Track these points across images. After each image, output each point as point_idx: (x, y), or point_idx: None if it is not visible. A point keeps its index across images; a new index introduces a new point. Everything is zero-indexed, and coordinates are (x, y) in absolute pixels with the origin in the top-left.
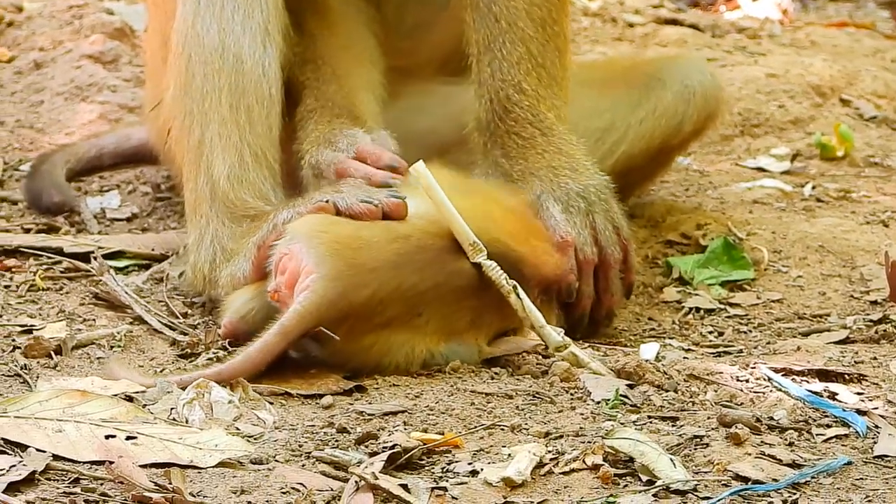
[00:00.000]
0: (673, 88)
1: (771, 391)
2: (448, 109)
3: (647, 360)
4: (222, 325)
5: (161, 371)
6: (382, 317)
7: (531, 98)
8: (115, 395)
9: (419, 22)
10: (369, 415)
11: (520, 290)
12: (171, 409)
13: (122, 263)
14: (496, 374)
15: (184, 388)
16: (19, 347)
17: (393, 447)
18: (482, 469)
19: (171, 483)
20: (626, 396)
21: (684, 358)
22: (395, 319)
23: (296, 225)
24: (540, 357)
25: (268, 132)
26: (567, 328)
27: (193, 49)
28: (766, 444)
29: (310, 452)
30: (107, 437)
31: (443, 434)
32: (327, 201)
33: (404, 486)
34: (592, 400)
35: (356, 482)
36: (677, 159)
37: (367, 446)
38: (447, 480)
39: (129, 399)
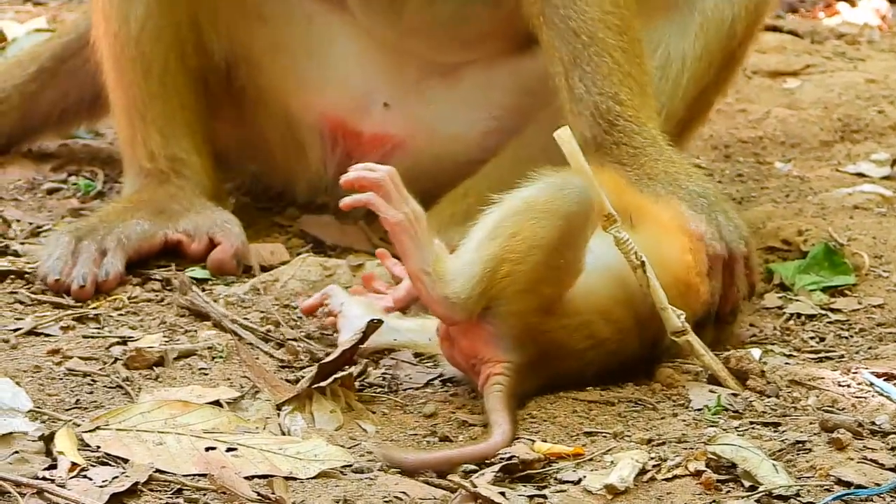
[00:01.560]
0: None
1: (873, 396)
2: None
3: (758, 360)
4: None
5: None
6: None
7: (631, 108)
8: (215, 405)
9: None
10: (471, 424)
11: (648, 266)
12: (266, 419)
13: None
14: (598, 380)
15: (442, 471)
16: (120, 359)
17: (510, 459)
18: (584, 476)
19: (273, 493)
20: (728, 403)
21: (786, 363)
22: None
23: None
24: (642, 363)
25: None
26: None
27: None
28: (868, 448)
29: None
30: (207, 448)
31: (546, 441)
32: None
33: (502, 494)
34: (694, 407)
35: (462, 492)
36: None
37: None
38: (548, 488)
39: (229, 405)
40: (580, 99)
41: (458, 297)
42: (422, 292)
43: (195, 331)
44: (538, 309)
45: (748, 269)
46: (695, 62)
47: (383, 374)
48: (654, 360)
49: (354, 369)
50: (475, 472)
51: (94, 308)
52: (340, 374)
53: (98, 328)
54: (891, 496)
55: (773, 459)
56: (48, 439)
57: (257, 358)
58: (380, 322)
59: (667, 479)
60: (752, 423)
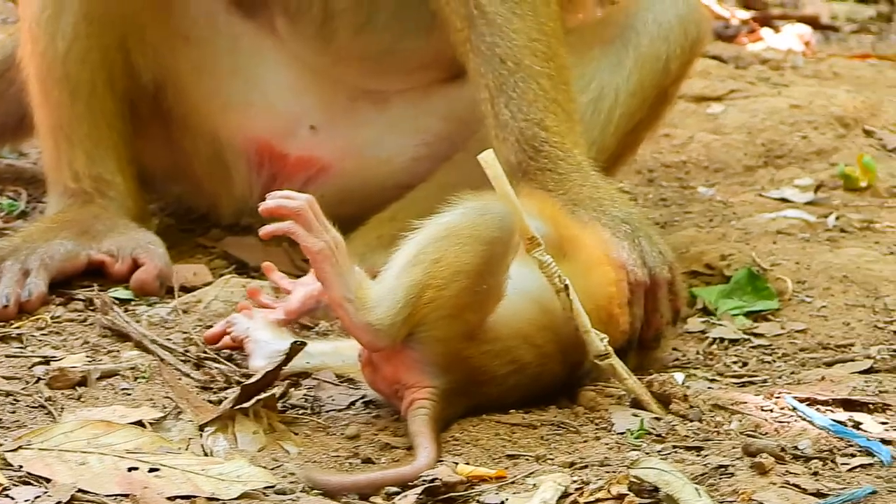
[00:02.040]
0: (648, 31)
1: (795, 421)
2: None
3: (681, 384)
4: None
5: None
6: None
7: (556, 135)
8: (138, 425)
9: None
10: (394, 447)
11: (571, 290)
12: (191, 438)
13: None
14: (521, 404)
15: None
16: (43, 378)
17: (433, 481)
18: (507, 500)
19: None
20: (651, 427)
21: (709, 388)
22: None
23: None
24: (563, 387)
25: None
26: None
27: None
28: (790, 473)
29: None
30: (130, 469)
31: (469, 464)
32: None
33: None
34: (617, 430)
35: None
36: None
37: None
38: None
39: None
40: (505, 125)
41: (382, 324)
42: (344, 320)
43: (118, 351)
44: (461, 335)
45: (672, 294)
46: (628, 98)
47: (305, 395)
48: (576, 384)
49: (277, 390)
50: (397, 494)
51: (16, 328)
52: (263, 395)
53: (21, 348)
54: None
55: (696, 483)
56: None
57: (180, 379)
58: (303, 344)
59: (589, 503)
60: (674, 446)
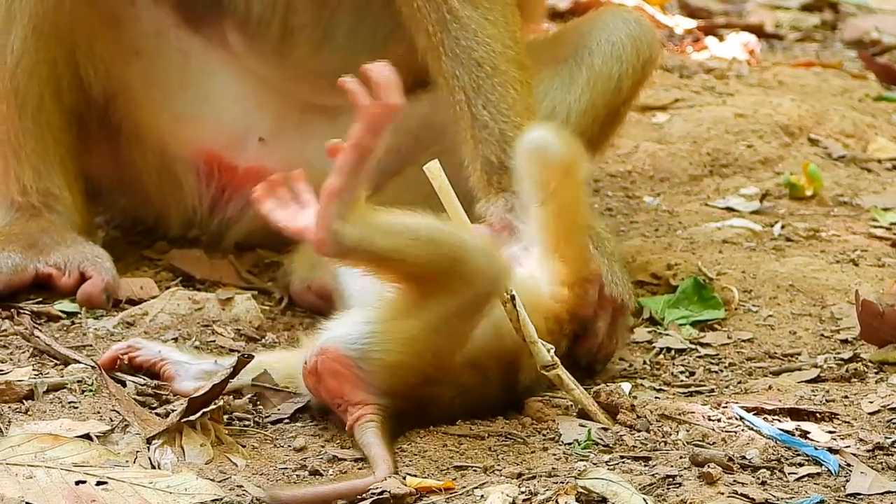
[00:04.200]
0: (601, 51)
1: (743, 430)
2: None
3: (628, 394)
4: None
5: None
6: None
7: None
8: (85, 438)
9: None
10: (341, 459)
11: (517, 301)
12: (136, 453)
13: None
14: (466, 416)
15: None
16: None
17: (381, 493)
18: None
19: None
20: (598, 437)
21: (656, 398)
22: None
23: None
24: (513, 398)
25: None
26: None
27: None
28: (738, 483)
29: None
30: (77, 482)
31: (416, 476)
32: None
33: None
34: (564, 441)
35: None
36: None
37: None
38: None
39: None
40: (485, 125)
41: (342, 238)
42: (321, 208)
43: (64, 364)
44: (414, 370)
45: (617, 329)
46: (579, 116)
47: (253, 407)
48: (515, 398)
49: (223, 402)
50: None
51: None
52: (209, 408)
53: None
54: None
55: (644, 494)
56: None
57: (127, 392)
58: (250, 357)
59: None
60: (622, 457)
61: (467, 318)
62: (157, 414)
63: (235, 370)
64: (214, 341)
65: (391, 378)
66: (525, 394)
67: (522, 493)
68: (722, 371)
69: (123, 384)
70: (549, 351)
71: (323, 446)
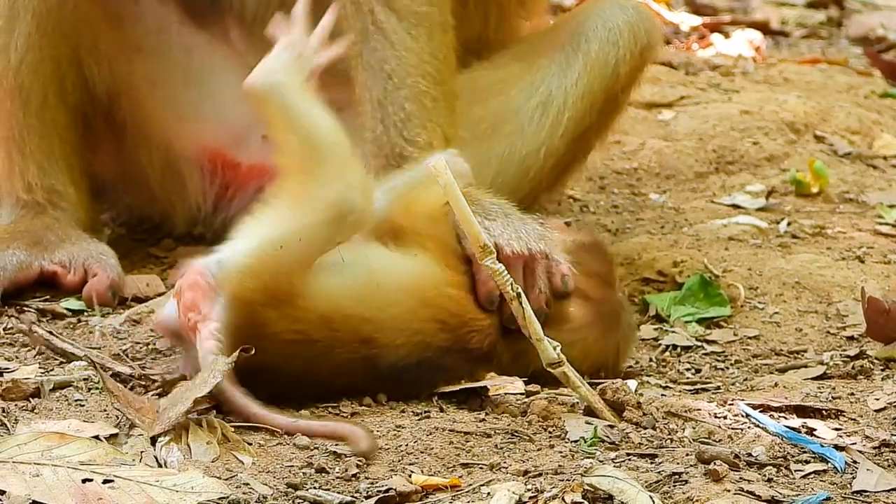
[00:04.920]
0: (598, 37)
1: (749, 427)
2: None
3: (634, 391)
4: None
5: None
6: None
7: (424, 149)
8: (94, 437)
9: None
10: (347, 455)
11: (523, 298)
12: (143, 451)
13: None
14: (474, 412)
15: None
16: None
17: (387, 491)
18: None
19: None
20: (604, 434)
21: (662, 395)
22: None
23: None
24: (519, 395)
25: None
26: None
27: None
28: (744, 480)
29: (286, 493)
30: (84, 480)
31: (422, 473)
32: None
33: None
34: (570, 438)
35: None
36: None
37: (351, 485)
38: None
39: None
40: (377, 139)
41: (272, 85)
42: (274, 49)
43: (71, 362)
44: (258, 289)
45: (551, 266)
46: (577, 101)
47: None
48: (379, 384)
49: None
50: (351, 503)
51: None
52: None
53: None
54: None
55: (650, 491)
56: None
57: (131, 389)
58: (250, 350)
59: None
60: (628, 454)
61: (318, 241)
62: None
63: (235, 364)
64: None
65: (240, 290)
66: (396, 378)
67: (529, 490)
68: (728, 368)
69: (124, 382)
70: (555, 349)
71: (327, 444)
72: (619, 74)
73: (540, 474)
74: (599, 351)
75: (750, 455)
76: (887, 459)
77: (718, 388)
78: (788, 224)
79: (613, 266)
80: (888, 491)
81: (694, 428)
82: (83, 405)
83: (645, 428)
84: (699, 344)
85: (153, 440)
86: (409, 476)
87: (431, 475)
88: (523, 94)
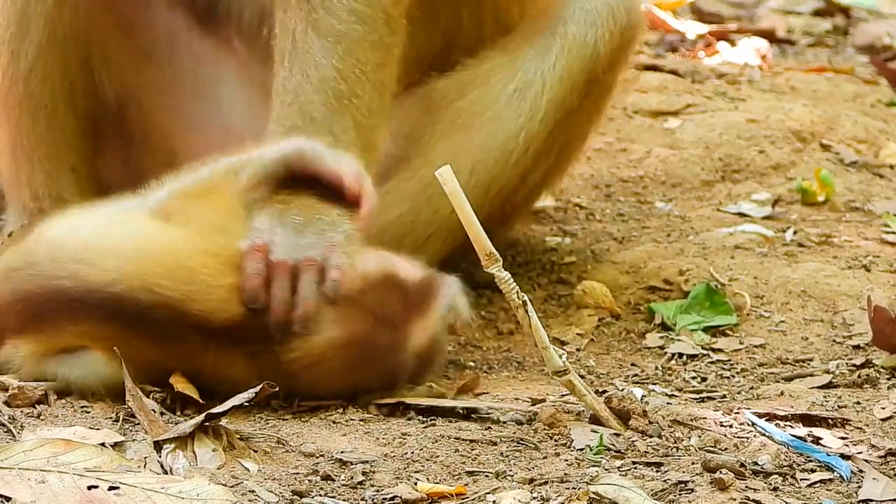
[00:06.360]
0: (575, 19)
1: (755, 436)
2: None
3: (640, 400)
4: None
5: None
6: None
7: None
8: (99, 444)
9: None
10: (352, 463)
11: (529, 306)
12: (147, 458)
13: None
14: (480, 420)
15: None
16: (2, 397)
17: (393, 499)
18: None
19: None
20: (610, 442)
21: (668, 403)
22: None
23: None
24: (524, 403)
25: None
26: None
27: None
28: (750, 489)
29: (292, 500)
30: (90, 487)
31: (428, 481)
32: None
33: None
34: (576, 446)
35: None
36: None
37: (357, 493)
38: None
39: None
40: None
41: None
42: None
43: None
44: None
45: (322, 272)
46: (555, 84)
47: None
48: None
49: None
50: None
51: None
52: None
53: None
54: None
55: (656, 499)
56: None
57: (141, 394)
58: (274, 385)
59: None
60: (634, 462)
61: None
62: (171, 423)
63: (258, 395)
64: None
65: None
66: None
67: (535, 498)
68: (734, 377)
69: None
70: (560, 356)
71: (332, 451)
72: (598, 54)
73: (546, 482)
74: (352, 386)
75: (756, 464)
76: (893, 468)
77: (724, 396)
78: (794, 233)
79: (419, 313)
80: (894, 500)
81: (700, 436)
82: (89, 412)
83: (651, 436)
84: (705, 352)
85: (158, 447)
86: (415, 484)
87: (437, 483)
88: (501, 81)
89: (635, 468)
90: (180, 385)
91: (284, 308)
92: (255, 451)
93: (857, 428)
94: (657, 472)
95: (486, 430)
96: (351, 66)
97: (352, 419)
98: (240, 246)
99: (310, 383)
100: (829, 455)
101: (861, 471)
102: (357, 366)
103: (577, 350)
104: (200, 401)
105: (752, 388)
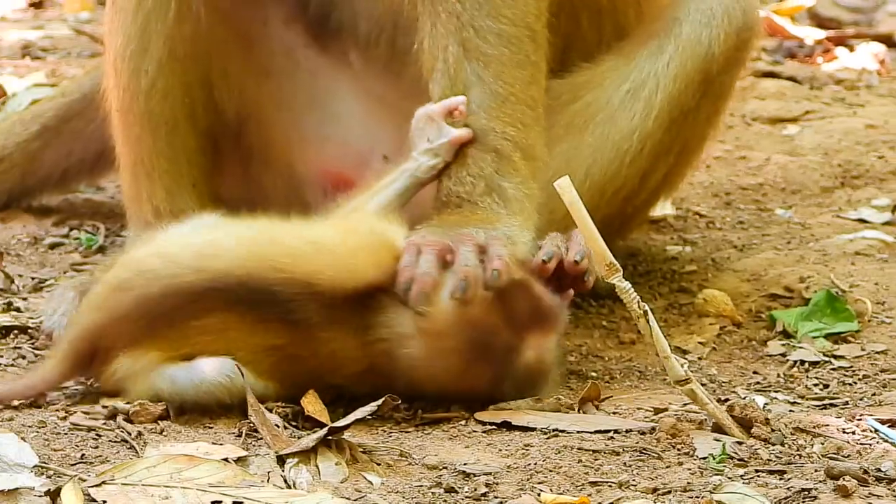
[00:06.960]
0: (690, 19)
1: (878, 443)
2: None
3: (762, 407)
4: None
5: None
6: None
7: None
8: (223, 459)
9: None
10: (475, 475)
11: (650, 316)
12: (270, 472)
13: None
14: (602, 430)
15: None
16: (125, 413)
17: None
18: None
19: None
20: (733, 451)
21: (790, 411)
22: None
23: None
24: (647, 413)
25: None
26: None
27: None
28: (874, 495)
29: None
30: (213, 502)
31: (552, 492)
32: None
33: None
34: (699, 455)
35: None
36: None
37: None
38: None
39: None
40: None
41: None
42: None
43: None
44: None
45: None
46: (669, 84)
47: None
48: None
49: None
50: None
51: None
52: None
53: None
54: None
55: None
56: (54, 494)
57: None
58: (396, 398)
59: None
60: (757, 470)
61: None
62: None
63: (380, 408)
64: None
65: None
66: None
67: None
68: (856, 383)
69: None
70: (682, 365)
71: (455, 463)
72: (713, 54)
73: (669, 492)
74: (457, 376)
75: (879, 470)
76: None
77: (847, 403)
78: None
79: (540, 330)
80: None
81: (822, 443)
82: (211, 427)
83: (773, 444)
84: (827, 359)
85: (281, 461)
86: (538, 495)
87: (560, 494)
88: (615, 83)
89: (758, 476)
90: (310, 407)
91: (430, 278)
92: (378, 464)
93: None
94: (780, 479)
95: (608, 440)
96: (501, 86)
97: (474, 431)
98: (380, 227)
99: (415, 370)
100: None
101: None
102: (467, 357)
103: (699, 359)
104: (329, 423)
105: (874, 394)
